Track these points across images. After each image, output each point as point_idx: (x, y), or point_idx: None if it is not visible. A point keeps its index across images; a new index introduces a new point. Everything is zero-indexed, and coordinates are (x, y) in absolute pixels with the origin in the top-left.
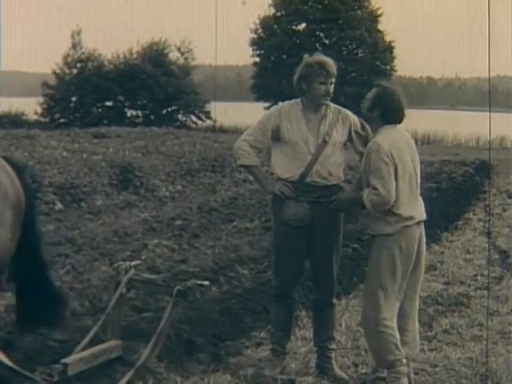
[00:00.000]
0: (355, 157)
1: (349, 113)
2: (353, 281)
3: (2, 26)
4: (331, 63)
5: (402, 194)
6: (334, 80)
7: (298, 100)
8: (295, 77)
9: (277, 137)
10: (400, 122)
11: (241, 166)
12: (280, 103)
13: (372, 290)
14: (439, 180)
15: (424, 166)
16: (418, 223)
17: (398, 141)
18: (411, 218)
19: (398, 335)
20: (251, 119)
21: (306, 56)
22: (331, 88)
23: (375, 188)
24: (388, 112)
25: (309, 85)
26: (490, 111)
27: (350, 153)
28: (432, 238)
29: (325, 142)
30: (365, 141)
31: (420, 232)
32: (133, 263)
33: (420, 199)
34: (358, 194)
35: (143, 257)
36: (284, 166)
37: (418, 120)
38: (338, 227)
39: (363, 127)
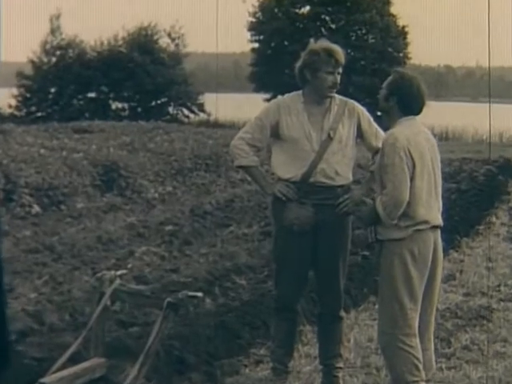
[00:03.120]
0: (366, 154)
1: (356, 104)
2: (363, 292)
3: None
4: (340, 51)
5: (420, 194)
6: (341, 70)
7: (299, 92)
8: (298, 64)
9: (276, 134)
10: (419, 112)
11: (238, 166)
12: (279, 96)
13: (386, 302)
14: (459, 180)
15: (442, 165)
16: (433, 228)
17: (417, 135)
18: (425, 222)
19: (419, 354)
20: (249, 112)
21: (311, 41)
22: (338, 78)
23: (386, 186)
24: (406, 100)
25: (314, 74)
26: (489, 105)
27: (360, 150)
28: (450, 245)
29: (330, 138)
30: (377, 135)
31: (435, 237)
32: (118, 273)
33: (439, 202)
34: (369, 196)
35: (129, 265)
36: (285, 166)
37: (435, 113)
38: (345, 232)
39: (370, 124)
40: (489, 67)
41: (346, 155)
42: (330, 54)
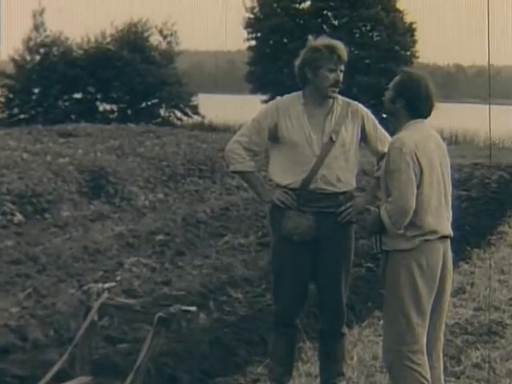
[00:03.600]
0: (371, 159)
1: (360, 106)
2: (367, 306)
3: None
4: (342, 47)
5: (428, 202)
6: (343, 67)
7: (299, 93)
8: (298, 62)
9: (275, 137)
10: (428, 114)
11: (234, 172)
12: (278, 97)
13: (392, 317)
14: (469, 187)
15: (452, 171)
16: (442, 238)
17: (426, 139)
18: (434, 231)
19: (427, 373)
20: (246, 114)
21: (310, 38)
22: (341, 76)
23: (391, 194)
24: (414, 102)
25: (315, 72)
26: (489, 105)
27: (365, 155)
28: (460, 256)
29: (331, 142)
30: (383, 139)
31: (444, 248)
32: (106, 285)
33: (449, 210)
34: (374, 203)
35: (118, 278)
36: (284, 171)
37: (445, 115)
38: (348, 242)
39: (375, 127)
40: (488, 66)
41: (349, 160)
42: (331, 50)
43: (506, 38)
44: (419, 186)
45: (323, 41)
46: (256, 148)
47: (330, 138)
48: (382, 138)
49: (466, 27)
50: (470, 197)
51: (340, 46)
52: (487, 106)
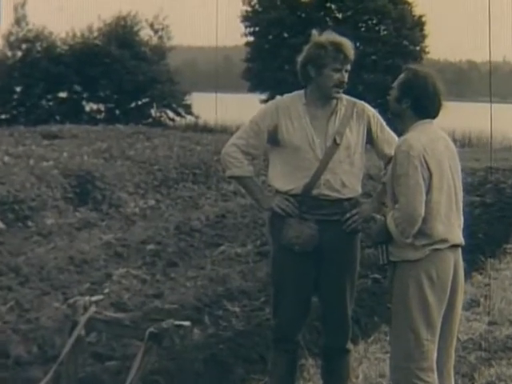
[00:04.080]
0: (377, 163)
1: (366, 106)
2: (373, 320)
3: None
4: (349, 45)
5: (438, 209)
6: (349, 67)
7: (301, 92)
8: (300, 59)
9: (275, 139)
10: (436, 115)
11: (230, 177)
12: (278, 97)
13: (400, 333)
14: (483, 192)
15: (464, 175)
16: (453, 247)
17: (435, 141)
18: (444, 240)
19: None
20: (243, 115)
21: (314, 33)
22: (346, 76)
23: (398, 200)
24: (421, 101)
25: (318, 71)
26: (490, 105)
27: (371, 158)
28: (473, 266)
29: (335, 145)
30: (390, 141)
31: (456, 258)
32: (93, 298)
33: (461, 217)
34: (380, 210)
35: (106, 290)
36: (284, 177)
37: (456, 115)
38: (353, 252)
39: (382, 128)
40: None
41: (355, 164)
42: (337, 48)
43: None
44: (428, 192)
45: (329, 37)
46: (254, 151)
47: (334, 141)
48: (390, 140)
49: (480, 21)
50: (484, 203)
51: (347, 43)
52: (503, 106)
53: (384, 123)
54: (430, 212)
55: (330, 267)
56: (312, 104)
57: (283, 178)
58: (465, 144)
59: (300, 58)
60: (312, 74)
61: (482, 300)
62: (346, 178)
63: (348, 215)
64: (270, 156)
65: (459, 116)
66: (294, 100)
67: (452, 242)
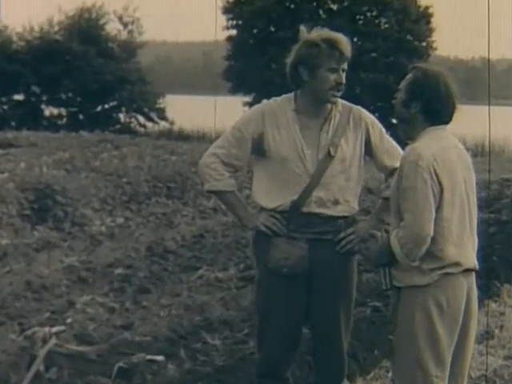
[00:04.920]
0: (377, 175)
1: (364, 112)
2: (373, 355)
3: None
4: (345, 41)
5: (449, 228)
6: (346, 66)
7: (290, 95)
8: (290, 60)
9: (260, 150)
10: (450, 120)
11: (209, 191)
12: (265, 101)
13: (404, 368)
14: (498, 208)
15: (477, 189)
16: (466, 272)
17: (447, 150)
18: (456, 264)
19: None
20: (224, 120)
21: (302, 29)
22: (344, 77)
23: (404, 217)
24: (432, 105)
25: (312, 73)
26: (489, 107)
27: (370, 170)
28: (487, 293)
29: (329, 157)
30: (391, 152)
31: (469, 284)
32: (54, 329)
33: (474, 238)
34: (379, 229)
35: (69, 320)
36: (270, 192)
37: (468, 120)
38: (349, 276)
39: (382, 137)
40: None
41: (351, 179)
42: (332, 44)
43: None
44: (438, 209)
45: (322, 34)
46: (237, 162)
47: (328, 153)
48: (391, 151)
49: (495, 12)
50: (499, 220)
51: (342, 39)
52: None
53: (384, 131)
54: (441, 231)
55: (322, 293)
56: (303, 110)
57: (269, 194)
58: (477, 153)
59: (289, 60)
60: (304, 77)
61: (496, 331)
62: (341, 194)
63: (342, 234)
64: (255, 168)
65: (471, 121)
66: (281, 105)
67: (465, 266)
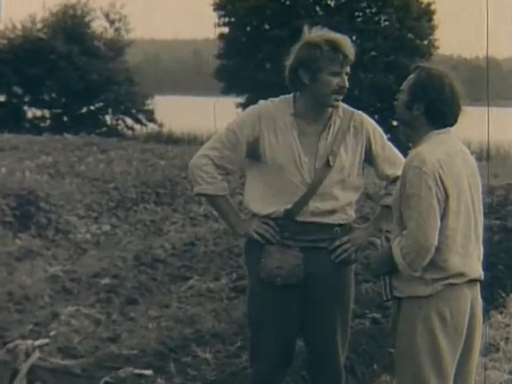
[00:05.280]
0: (377, 180)
1: (365, 118)
2: (372, 369)
3: None
4: (349, 43)
5: (454, 237)
6: (349, 69)
7: (289, 97)
8: (290, 62)
9: (255, 154)
10: (454, 123)
11: (199, 194)
12: (261, 101)
13: (405, 383)
14: (504, 215)
15: (482, 194)
16: (471, 282)
17: (452, 156)
18: (460, 274)
19: None
20: (216, 122)
21: (305, 30)
22: (347, 81)
23: (407, 226)
24: (436, 107)
25: (313, 76)
26: (488, 109)
27: (369, 175)
28: (492, 304)
29: (328, 166)
30: (393, 160)
31: (473, 295)
32: (37, 342)
33: (480, 247)
34: (378, 236)
35: (52, 333)
36: (264, 200)
37: (473, 123)
38: (346, 286)
39: (383, 145)
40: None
41: (350, 188)
42: (336, 48)
43: None
44: (443, 217)
45: (323, 35)
46: (229, 166)
47: (327, 162)
48: (392, 159)
49: (500, 10)
50: (505, 227)
51: (346, 41)
52: None
53: (385, 137)
54: (445, 241)
55: (317, 304)
56: (302, 114)
57: (263, 201)
58: (482, 157)
59: (289, 62)
60: (305, 81)
61: (502, 344)
62: (339, 204)
63: (337, 242)
64: (248, 173)
65: (476, 123)
66: (279, 108)
67: (469, 277)
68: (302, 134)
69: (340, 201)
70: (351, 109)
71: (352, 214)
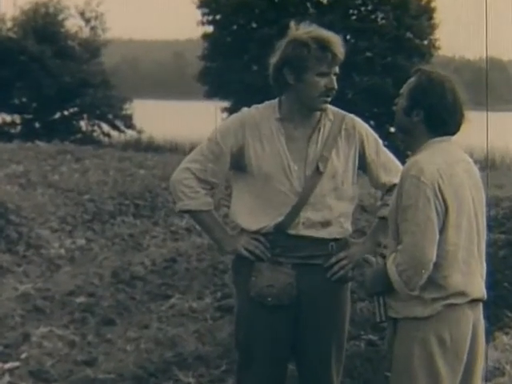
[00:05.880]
0: (373, 191)
1: (357, 121)
2: None
3: None
4: (338, 41)
5: (454, 253)
6: (338, 69)
7: (274, 102)
8: (274, 60)
9: (240, 165)
10: (456, 131)
11: (182, 211)
12: (245, 109)
13: None
14: (510, 228)
15: (486, 206)
16: (472, 302)
17: (453, 165)
18: (461, 293)
19: None
20: (199, 129)
21: (292, 25)
22: (335, 82)
23: (403, 240)
24: (437, 113)
25: (299, 76)
26: (487, 113)
27: (364, 185)
28: (497, 325)
29: (318, 173)
30: (389, 166)
31: (475, 316)
32: (6, 366)
33: (483, 264)
34: (376, 253)
35: (23, 355)
36: (252, 213)
37: (476, 129)
38: (341, 306)
39: (378, 149)
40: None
41: (343, 197)
42: (324, 46)
43: None
44: (443, 231)
45: (311, 32)
46: (213, 179)
47: (317, 168)
48: (388, 165)
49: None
50: (510, 242)
51: (335, 39)
52: None
53: (380, 142)
54: (445, 256)
55: (311, 325)
56: (288, 118)
57: (251, 215)
58: (485, 166)
59: (273, 60)
60: (290, 81)
61: (507, 367)
62: (332, 215)
63: (333, 259)
64: (234, 185)
65: (479, 130)
66: (264, 114)
67: (471, 296)
68: (289, 140)
69: (334, 211)
70: (342, 112)
71: (348, 227)
